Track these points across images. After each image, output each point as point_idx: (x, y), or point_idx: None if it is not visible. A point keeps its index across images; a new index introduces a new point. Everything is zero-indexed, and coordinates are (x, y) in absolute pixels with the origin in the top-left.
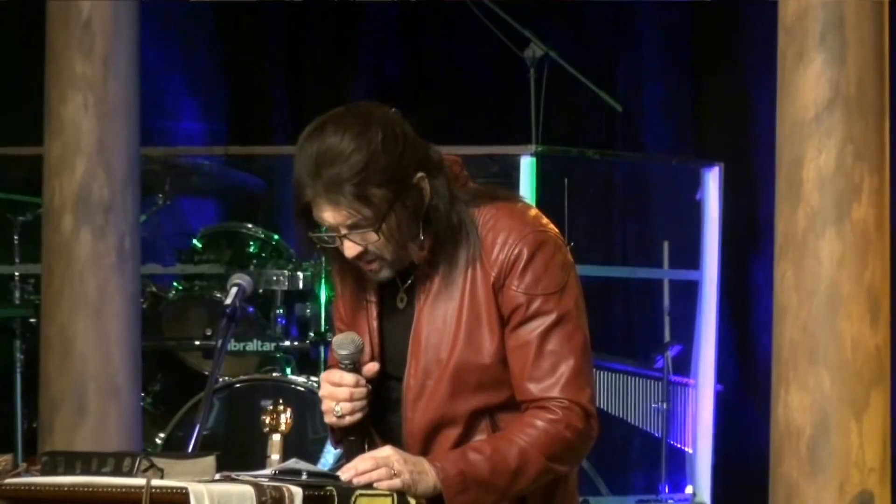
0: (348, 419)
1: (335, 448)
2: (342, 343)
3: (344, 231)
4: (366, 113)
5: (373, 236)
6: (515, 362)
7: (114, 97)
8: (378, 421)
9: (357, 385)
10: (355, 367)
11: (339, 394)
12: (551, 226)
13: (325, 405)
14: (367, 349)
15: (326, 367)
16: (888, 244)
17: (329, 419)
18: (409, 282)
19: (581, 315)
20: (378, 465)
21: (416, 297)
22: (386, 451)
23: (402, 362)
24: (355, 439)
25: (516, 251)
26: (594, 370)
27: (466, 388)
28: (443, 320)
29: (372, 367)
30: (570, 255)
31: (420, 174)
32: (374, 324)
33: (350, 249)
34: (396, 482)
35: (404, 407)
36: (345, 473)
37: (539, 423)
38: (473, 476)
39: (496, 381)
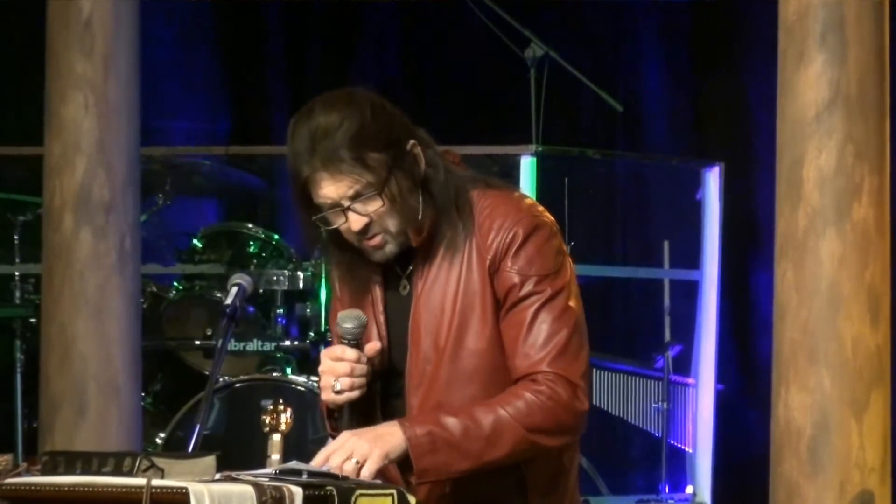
0: (346, 395)
1: (332, 435)
2: (346, 317)
3: (346, 203)
4: (350, 91)
5: (376, 203)
6: (509, 341)
7: (114, 97)
8: (383, 411)
9: (358, 361)
10: (358, 343)
11: (339, 368)
12: (547, 214)
13: (324, 381)
14: (377, 345)
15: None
16: (888, 244)
17: (327, 396)
18: (410, 269)
19: (574, 298)
20: (348, 455)
21: (414, 284)
22: (343, 437)
23: (406, 353)
24: (353, 422)
25: (511, 234)
26: (594, 369)
27: (463, 375)
28: (440, 306)
29: (374, 346)
30: (564, 245)
31: (413, 141)
32: (381, 318)
33: (355, 222)
34: (372, 467)
35: (407, 394)
36: (316, 460)
37: (522, 392)
38: (443, 437)
39: (492, 367)
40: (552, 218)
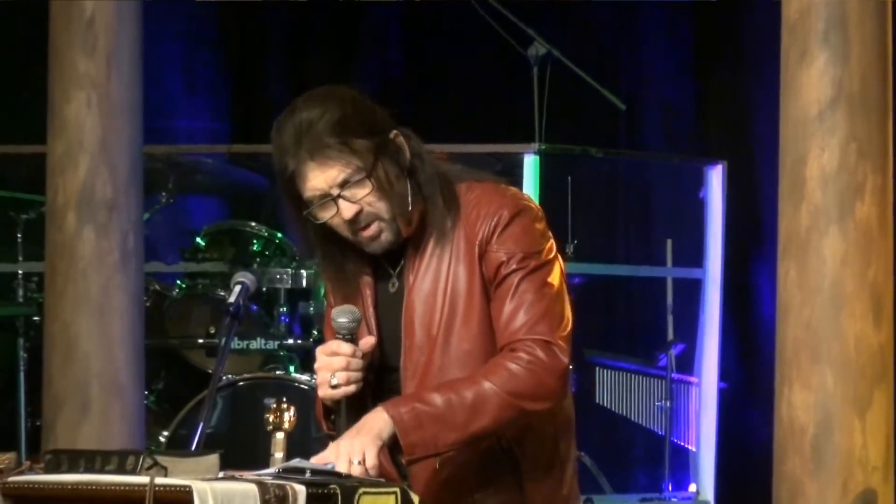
0: (343, 390)
1: (330, 435)
2: (340, 312)
3: (336, 191)
4: (329, 87)
5: (365, 188)
6: (495, 314)
7: (117, 96)
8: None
9: (354, 355)
10: (353, 338)
11: (335, 363)
12: (533, 201)
13: (321, 377)
14: (372, 339)
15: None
16: (891, 242)
17: (323, 392)
18: (400, 266)
19: (556, 276)
20: (348, 460)
21: (405, 278)
22: (330, 449)
23: (399, 349)
24: (350, 417)
25: (497, 217)
26: (597, 368)
27: (456, 361)
28: (432, 297)
29: (369, 340)
30: (549, 232)
31: (395, 132)
32: (372, 315)
33: (346, 210)
34: (371, 456)
35: (402, 386)
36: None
37: (502, 362)
38: (427, 412)
39: (484, 351)
40: (538, 205)
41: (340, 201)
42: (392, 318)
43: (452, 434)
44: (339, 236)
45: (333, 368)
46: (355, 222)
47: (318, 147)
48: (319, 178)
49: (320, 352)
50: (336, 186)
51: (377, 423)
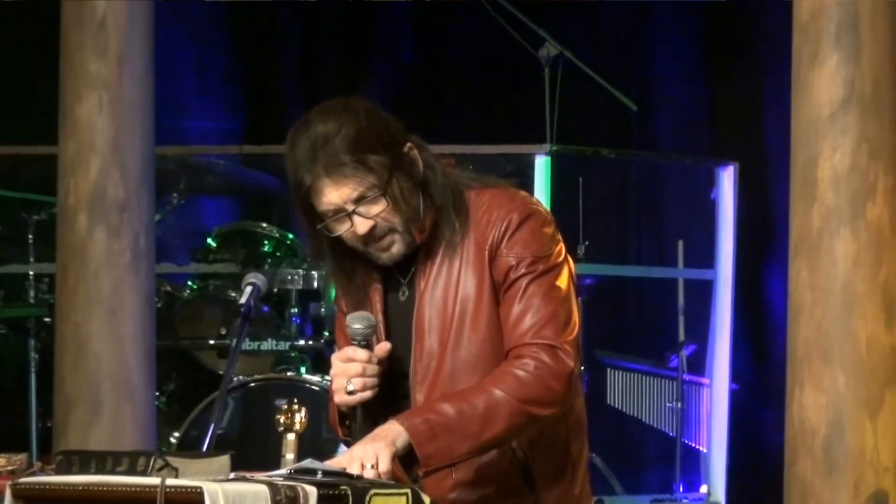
0: (359, 396)
1: (345, 441)
2: (355, 319)
3: (351, 207)
4: (343, 100)
5: (380, 204)
6: (503, 317)
7: (128, 96)
8: (390, 413)
9: (370, 361)
10: (368, 344)
11: (351, 369)
12: (543, 205)
13: (336, 384)
14: (387, 345)
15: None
16: None
17: (340, 398)
18: (411, 274)
19: (564, 279)
20: (361, 465)
21: (416, 285)
22: (344, 455)
23: (409, 356)
24: (366, 423)
25: (506, 221)
26: (608, 369)
27: (466, 366)
28: (443, 302)
29: (384, 346)
30: (559, 235)
31: (409, 144)
32: (381, 323)
33: (361, 226)
34: (385, 460)
35: (412, 391)
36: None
37: (509, 370)
38: (440, 422)
39: (494, 356)
40: (547, 209)
41: (355, 217)
42: (402, 326)
43: (466, 443)
44: (349, 246)
45: (350, 375)
46: (368, 236)
47: (333, 164)
48: (334, 194)
49: (336, 358)
50: (351, 202)
51: (391, 432)
